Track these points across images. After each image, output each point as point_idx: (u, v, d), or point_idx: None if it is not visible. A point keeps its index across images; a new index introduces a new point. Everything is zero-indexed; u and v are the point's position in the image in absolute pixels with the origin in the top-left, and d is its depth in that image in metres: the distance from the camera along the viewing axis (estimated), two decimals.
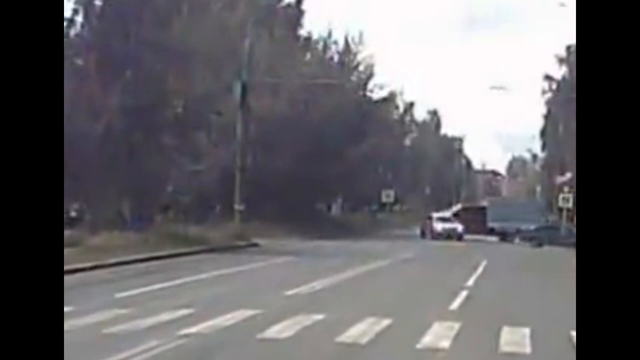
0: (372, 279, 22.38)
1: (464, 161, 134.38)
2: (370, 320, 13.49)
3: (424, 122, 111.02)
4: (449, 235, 53.73)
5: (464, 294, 18.75)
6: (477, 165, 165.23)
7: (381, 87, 65.21)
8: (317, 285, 19.22)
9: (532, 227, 54.21)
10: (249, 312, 14.13)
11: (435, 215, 60.13)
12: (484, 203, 72.16)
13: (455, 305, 16.56)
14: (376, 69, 56.13)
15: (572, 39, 72.54)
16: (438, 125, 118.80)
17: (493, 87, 67.68)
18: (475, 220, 58.78)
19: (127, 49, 31.67)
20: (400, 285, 21.11)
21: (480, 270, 26.94)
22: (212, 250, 31.05)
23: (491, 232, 58.10)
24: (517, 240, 53.21)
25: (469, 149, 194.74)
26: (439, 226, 55.70)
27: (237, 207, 37.05)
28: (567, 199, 57.76)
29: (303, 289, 18.15)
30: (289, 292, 17.33)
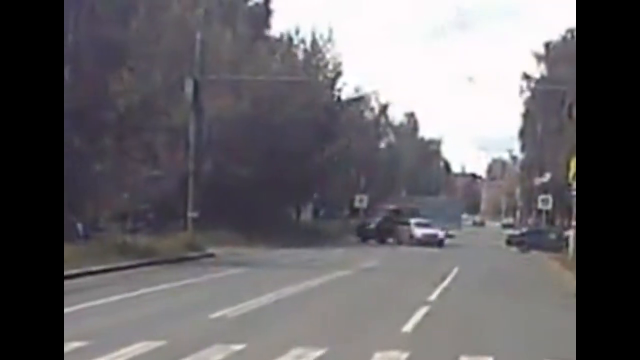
0: (322, 294, 19.74)
1: (442, 164, 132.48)
2: (296, 352, 10.98)
3: (401, 124, 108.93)
4: (430, 241, 50.99)
5: (423, 310, 16.24)
6: (456, 168, 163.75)
7: (357, 90, 63.10)
8: (255, 303, 16.63)
9: (523, 230, 51.87)
10: (154, 344, 11.52)
11: (413, 220, 57.06)
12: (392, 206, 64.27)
13: (409, 326, 14.01)
14: (352, 71, 53.96)
15: (550, 36, 71.05)
16: (415, 128, 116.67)
17: (464, 79, 65.73)
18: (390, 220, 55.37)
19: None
20: (352, 300, 18.48)
21: (448, 280, 24.45)
22: (159, 263, 28.34)
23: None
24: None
25: (448, 152, 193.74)
26: (418, 232, 52.66)
27: (190, 214, 34.39)
28: (546, 201, 55.57)
29: (235, 309, 15.52)
30: (216, 315, 14.71)
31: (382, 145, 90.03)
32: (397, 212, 58.21)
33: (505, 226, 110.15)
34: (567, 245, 38.63)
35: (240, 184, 43.86)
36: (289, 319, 14.83)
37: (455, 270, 28.69)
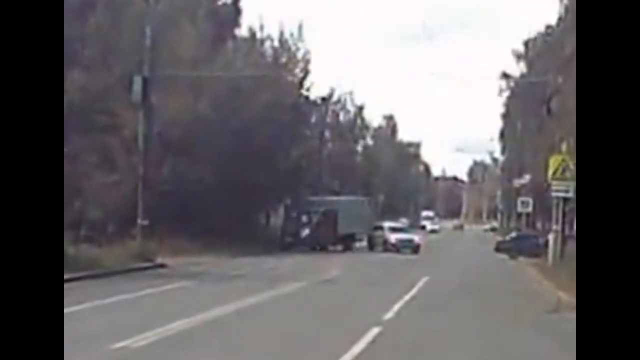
0: (260, 314, 17.13)
1: (422, 167, 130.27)
2: None
3: (379, 127, 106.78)
4: (405, 247, 48.38)
5: (374, 332, 13.81)
6: (437, 171, 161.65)
7: (332, 91, 60.79)
8: (175, 327, 14.10)
9: (512, 235, 49.31)
10: None
11: (387, 224, 54.50)
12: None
13: (350, 355, 11.56)
14: (329, 75, 51.39)
15: (529, 34, 68.85)
16: (394, 131, 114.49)
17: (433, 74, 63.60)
18: (324, 224, 48.22)
19: None
20: (290, 323, 15.86)
21: (412, 292, 22.00)
22: (101, 276, 25.69)
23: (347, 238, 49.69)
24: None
25: (428, 155, 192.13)
26: (392, 237, 49.86)
27: (140, 222, 31.77)
28: (526, 204, 53.27)
29: (145, 336, 12.97)
30: (119, 345, 12.15)
31: (359, 148, 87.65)
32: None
33: (487, 230, 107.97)
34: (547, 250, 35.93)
35: (202, 189, 41.24)
36: (204, 351, 12.26)
37: (424, 280, 26.27)
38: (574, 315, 18.49)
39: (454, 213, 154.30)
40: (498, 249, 50.20)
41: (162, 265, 30.68)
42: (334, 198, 52.12)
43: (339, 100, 77.88)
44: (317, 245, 46.14)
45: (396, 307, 18.05)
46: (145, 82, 31.46)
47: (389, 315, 16.40)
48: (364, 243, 52.78)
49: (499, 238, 58.99)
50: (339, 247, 48.44)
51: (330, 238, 47.84)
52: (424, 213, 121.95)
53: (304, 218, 47.00)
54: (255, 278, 26.62)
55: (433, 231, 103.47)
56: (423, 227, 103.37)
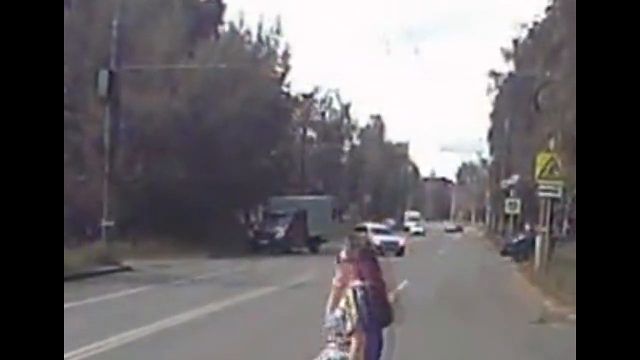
0: (216, 324, 15.48)
1: (410, 168, 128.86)
2: None
3: (367, 127, 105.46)
4: (389, 249, 46.63)
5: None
6: (425, 172, 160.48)
7: (316, 90, 59.22)
8: (117, 340, 12.59)
9: (520, 238, 47.62)
10: None
11: (370, 225, 52.80)
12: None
13: None
14: (316, 74, 49.67)
15: (518, 31, 67.43)
16: (382, 131, 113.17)
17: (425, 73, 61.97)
18: (296, 226, 45.81)
19: None
20: (242, 335, 14.27)
21: None
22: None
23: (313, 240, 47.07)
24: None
25: (416, 156, 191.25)
26: (375, 239, 47.90)
27: (104, 223, 30.12)
28: (514, 205, 51.75)
29: (80, 351, 11.44)
30: None
31: (346, 148, 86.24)
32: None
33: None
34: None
35: (177, 188, 39.61)
36: None
37: (401, 286, 24.64)
38: (560, 326, 17.01)
39: (443, 215, 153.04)
40: (505, 252, 48.61)
41: (127, 269, 29.10)
42: (302, 198, 50.01)
43: (324, 100, 76.65)
44: (290, 247, 44.36)
45: None
46: (111, 76, 29.86)
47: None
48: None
49: (500, 239, 57.17)
50: (305, 249, 46.42)
51: (302, 240, 46.14)
52: (409, 213, 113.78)
53: (280, 219, 45.16)
54: (222, 282, 25.03)
55: (417, 234, 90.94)
56: (407, 229, 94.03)
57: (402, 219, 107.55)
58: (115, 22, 30.72)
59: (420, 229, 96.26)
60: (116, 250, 30.58)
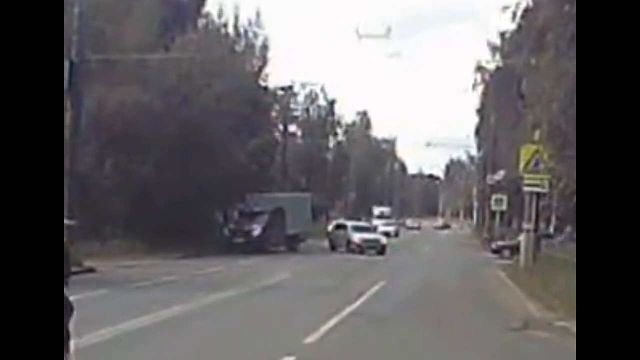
0: (174, 331, 13.97)
1: (397, 165, 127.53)
2: None
3: (353, 123, 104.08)
4: (370, 247, 45.21)
5: None
6: (413, 169, 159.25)
7: (303, 86, 57.67)
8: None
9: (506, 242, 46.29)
10: None
11: (350, 223, 51.16)
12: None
13: None
14: (301, 70, 48.12)
15: (505, 26, 66.15)
16: (368, 127, 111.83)
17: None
18: (274, 224, 44.20)
19: None
20: (197, 343, 12.74)
21: (357, 303, 18.84)
22: None
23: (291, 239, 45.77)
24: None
25: (403, 153, 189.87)
26: (355, 237, 46.38)
27: (66, 222, 28.43)
28: (500, 201, 50.42)
29: None
30: None
31: (331, 144, 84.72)
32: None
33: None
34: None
35: (150, 185, 38.02)
36: None
37: (377, 287, 23.17)
38: (544, 335, 15.51)
39: (431, 212, 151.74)
40: (493, 250, 47.35)
41: (90, 270, 27.59)
42: (281, 195, 48.52)
43: (309, 95, 75.31)
44: (267, 246, 42.80)
45: (330, 323, 14.89)
46: (72, 66, 28.20)
47: (311, 338, 13.10)
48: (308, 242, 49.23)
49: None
50: (282, 248, 44.94)
51: (280, 238, 44.60)
52: (376, 210, 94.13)
53: (257, 217, 43.69)
54: (187, 284, 23.51)
55: (387, 234, 61.95)
56: (375, 229, 64.33)
57: (370, 213, 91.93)
58: (76, 10, 29.03)
59: (390, 229, 76.37)
60: (81, 250, 29.08)
